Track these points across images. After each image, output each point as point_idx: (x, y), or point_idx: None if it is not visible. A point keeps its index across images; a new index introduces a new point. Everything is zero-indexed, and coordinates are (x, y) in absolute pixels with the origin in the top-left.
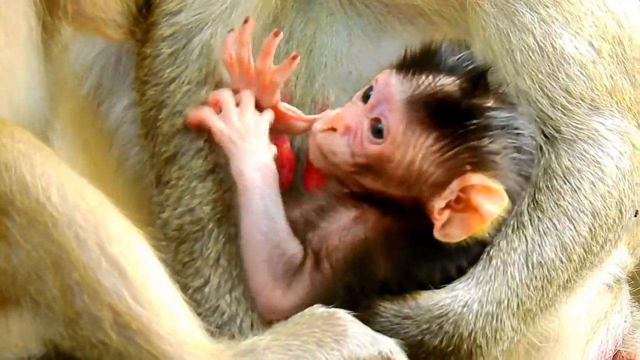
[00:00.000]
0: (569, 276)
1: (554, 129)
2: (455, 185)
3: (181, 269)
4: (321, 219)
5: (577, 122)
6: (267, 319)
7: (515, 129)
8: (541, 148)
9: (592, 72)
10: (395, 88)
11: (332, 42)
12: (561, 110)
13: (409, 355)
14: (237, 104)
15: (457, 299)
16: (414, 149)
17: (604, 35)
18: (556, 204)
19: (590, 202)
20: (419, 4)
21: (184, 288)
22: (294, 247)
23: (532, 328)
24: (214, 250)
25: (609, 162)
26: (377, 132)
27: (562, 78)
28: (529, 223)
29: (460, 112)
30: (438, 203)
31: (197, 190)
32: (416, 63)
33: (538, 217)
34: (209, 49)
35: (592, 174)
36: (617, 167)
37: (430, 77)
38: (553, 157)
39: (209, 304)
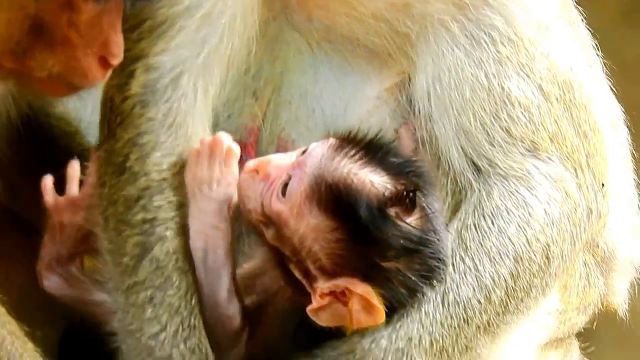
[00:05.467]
0: (489, 319)
1: (488, 163)
2: (342, 282)
3: (138, 313)
4: (257, 280)
5: (512, 159)
6: None
7: (427, 255)
8: (471, 184)
9: (536, 116)
10: (319, 155)
11: (298, 80)
12: (498, 147)
13: None
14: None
15: (365, 335)
16: (307, 226)
17: (555, 79)
18: (480, 243)
19: (514, 246)
20: (368, 44)
21: (138, 332)
22: (232, 310)
23: None
24: (176, 299)
25: (537, 205)
26: (285, 189)
27: (504, 118)
28: (451, 260)
29: (370, 215)
30: (322, 288)
31: (163, 237)
32: (356, 143)
33: (461, 255)
34: (178, 93)
35: (519, 217)
36: (545, 212)
37: (359, 163)
38: (484, 194)
39: (162, 352)
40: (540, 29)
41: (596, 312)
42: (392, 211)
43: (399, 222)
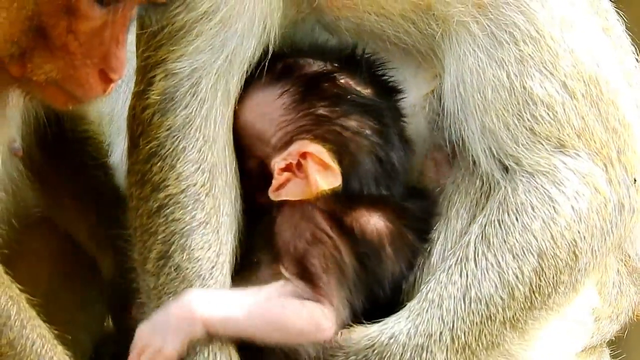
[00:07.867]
0: (514, 314)
1: (514, 161)
2: (294, 147)
3: None
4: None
5: (538, 156)
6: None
7: (380, 114)
8: (499, 183)
9: (560, 113)
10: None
11: None
12: (522, 146)
13: None
14: None
15: (385, 331)
16: (262, 105)
17: (580, 75)
18: (504, 239)
19: (538, 242)
20: (399, 42)
21: None
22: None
23: None
24: None
25: (564, 201)
26: None
27: (527, 118)
28: (473, 256)
29: (315, 78)
30: (278, 163)
31: (184, 246)
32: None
33: (483, 251)
34: (197, 99)
35: (545, 213)
36: (572, 208)
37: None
38: (509, 190)
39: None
40: (564, 25)
41: (627, 320)
42: (337, 74)
43: (349, 87)
